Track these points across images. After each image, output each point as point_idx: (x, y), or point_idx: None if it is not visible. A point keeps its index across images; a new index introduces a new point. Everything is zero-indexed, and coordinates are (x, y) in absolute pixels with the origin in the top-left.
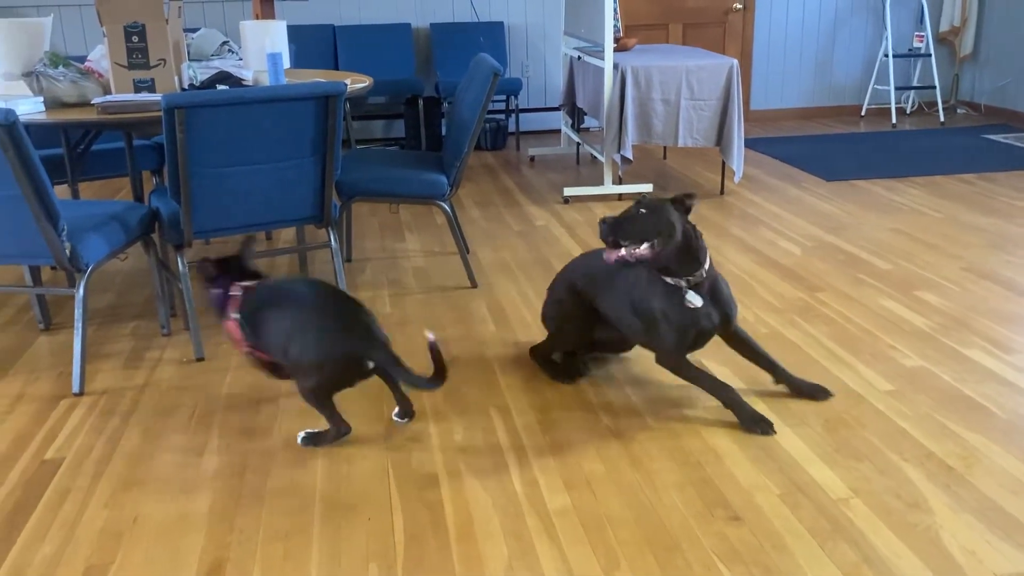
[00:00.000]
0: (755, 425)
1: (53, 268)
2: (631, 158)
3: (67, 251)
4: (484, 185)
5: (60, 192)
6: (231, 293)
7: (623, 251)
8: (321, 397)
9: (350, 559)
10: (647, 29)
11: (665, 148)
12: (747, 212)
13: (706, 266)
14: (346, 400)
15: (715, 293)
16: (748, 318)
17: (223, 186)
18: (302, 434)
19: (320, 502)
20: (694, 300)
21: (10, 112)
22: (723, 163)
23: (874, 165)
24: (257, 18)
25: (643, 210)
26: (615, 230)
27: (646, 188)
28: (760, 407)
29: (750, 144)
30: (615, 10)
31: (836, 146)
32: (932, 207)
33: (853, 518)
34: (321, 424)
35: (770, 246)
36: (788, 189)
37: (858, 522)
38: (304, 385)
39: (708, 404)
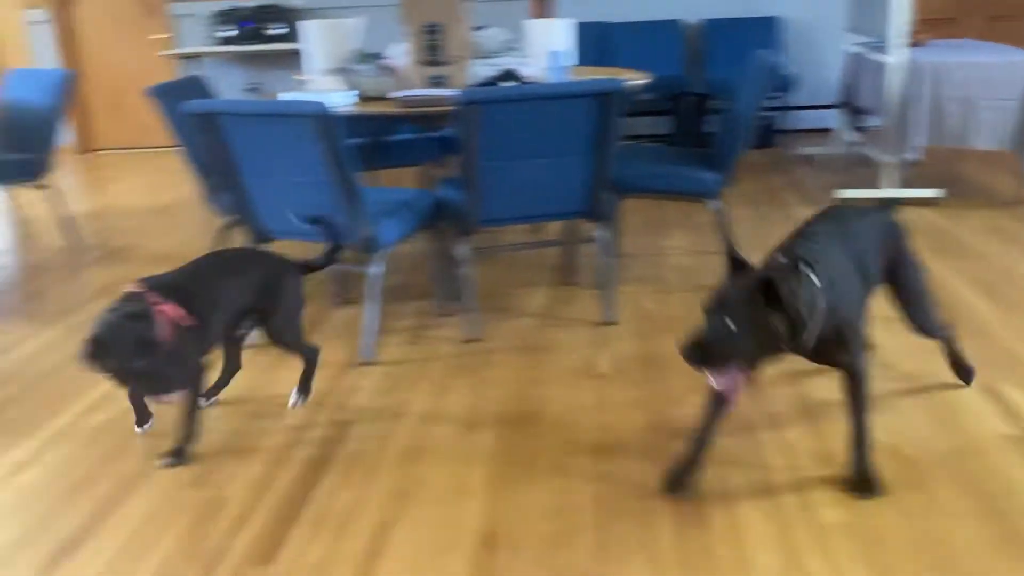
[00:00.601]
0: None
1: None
2: (918, 159)
3: (366, 233)
4: (751, 184)
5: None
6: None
7: (727, 376)
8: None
9: (618, 549)
10: (937, 25)
11: (948, 149)
12: None
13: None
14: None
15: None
16: None
17: (507, 178)
18: None
19: (588, 487)
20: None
21: (322, 105)
22: None
23: None
24: (537, 16)
25: (728, 321)
26: (702, 356)
27: (933, 193)
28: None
29: None
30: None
31: None
32: None
33: None
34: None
35: None
36: None
37: None
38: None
39: (1002, 431)
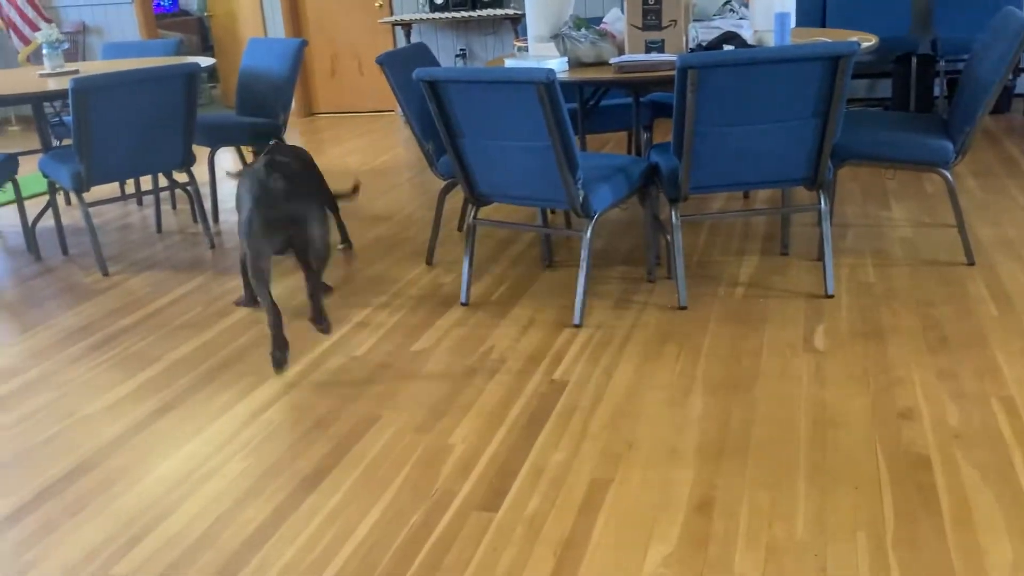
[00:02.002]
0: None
1: (553, 212)
2: None
3: (580, 198)
4: (982, 153)
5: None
6: None
7: None
8: None
9: (837, 524)
10: None
11: None
12: None
13: None
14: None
15: None
16: None
17: (723, 145)
18: None
19: (804, 462)
20: None
21: (550, 72)
22: None
23: None
24: None
25: None
26: None
27: None
28: None
29: None
30: None
31: None
32: None
33: None
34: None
35: None
36: None
37: None
38: None
39: None
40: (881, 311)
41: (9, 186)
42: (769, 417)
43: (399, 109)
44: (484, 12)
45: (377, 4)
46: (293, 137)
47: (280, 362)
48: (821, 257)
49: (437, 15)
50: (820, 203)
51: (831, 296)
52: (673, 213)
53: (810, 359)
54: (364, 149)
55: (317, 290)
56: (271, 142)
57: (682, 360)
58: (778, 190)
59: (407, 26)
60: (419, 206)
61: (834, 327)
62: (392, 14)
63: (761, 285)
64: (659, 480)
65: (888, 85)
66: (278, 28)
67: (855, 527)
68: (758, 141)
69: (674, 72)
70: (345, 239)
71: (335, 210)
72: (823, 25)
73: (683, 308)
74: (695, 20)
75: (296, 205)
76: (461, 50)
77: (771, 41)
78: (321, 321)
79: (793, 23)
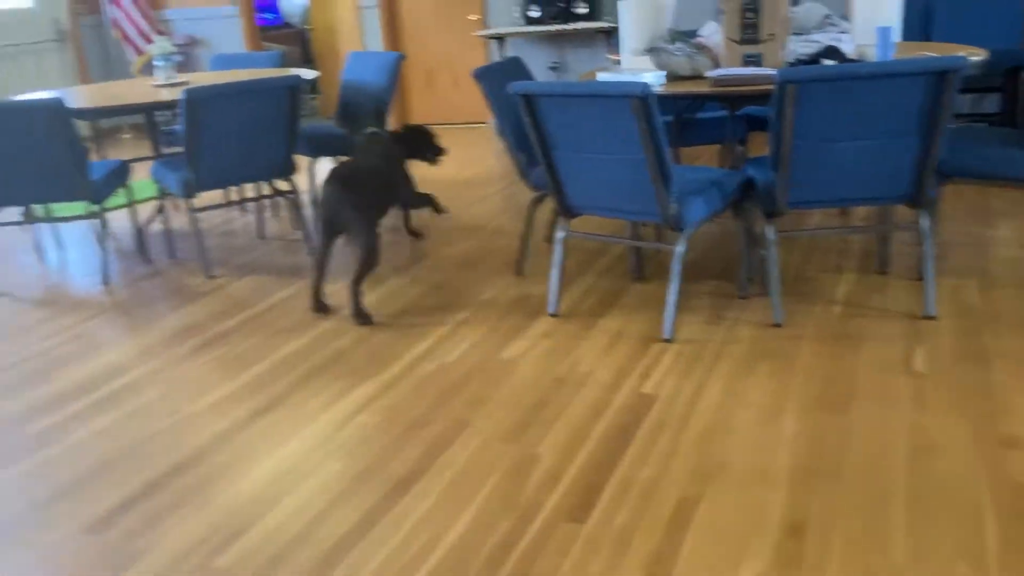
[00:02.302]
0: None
1: (644, 224)
2: None
3: (673, 211)
4: None
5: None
6: None
7: None
8: None
9: (936, 553)
10: None
11: None
12: None
13: None
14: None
15: None
16: None
17: (822, 160)
18: None
19: (902, 488)
20: None
21: (646, 86)
22: None
23: None
24: None
25: None
26: None
27: None
28: None
29: None
30: None
31: None
32: None
33: None
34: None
35: None
36: None
37: None
38: None
39: None
40: (984, 334)
41: (122, 191)
42: (865, 441)
43: (491, 121)
44: (578, 25)
45: (472, 17)
46: None
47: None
48: (922, 277)
49: (532, 28)
50: (922, 221)
51: (932, 317)
52: (769, 228)
53: (909, 382)
54: (456, 160)
55: (354, 287)
56: (368, 131)
57: (775, 379)
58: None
59: (501, 39)
60: (509, 218)
61: (935, 349)
62: (487, 27)
63: (858, 304)
64: (750, 500)
65: (995, 100)
66: (376, 41)
67: (955, 557)
68: (858, 157)
69: (772, 86)
70: (412, 231)
71: (407, 206)
72: (928, 39)
73: (777, 325)
74: (794, 33)
75: (341, 212)
76: (554, 63)
77: (873, 56)
78: (358, 316)
79: (897, 37)
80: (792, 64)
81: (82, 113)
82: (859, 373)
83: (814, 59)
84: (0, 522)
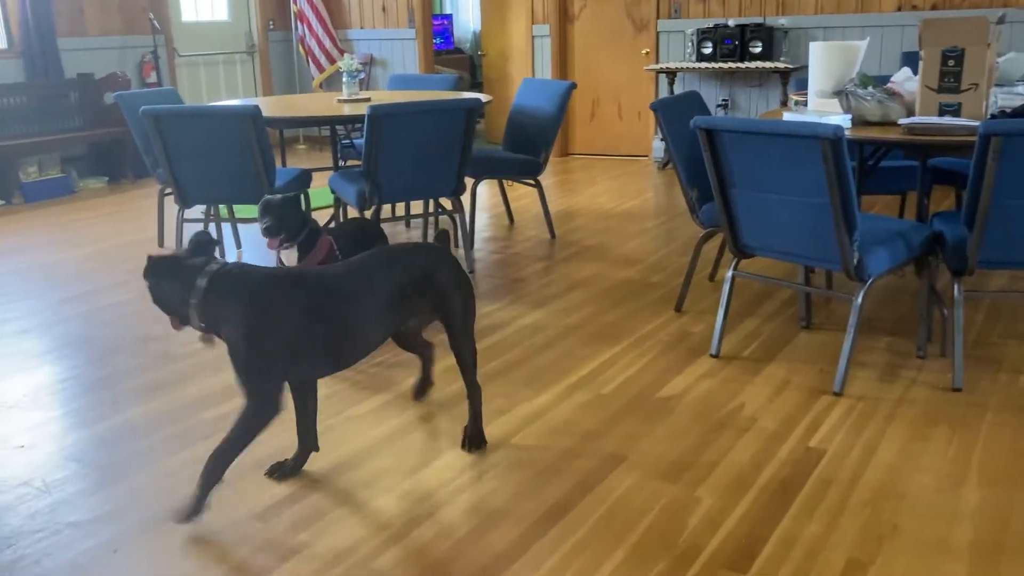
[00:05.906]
0: None
1: (814, 271)
2: None
3: (855, 260)
4: None
5: None
6: None
7: None
8: None
9: None
10: None
11: None
12: None
13: None
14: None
15: None
16: None
17: (1018, 218)
18: None
19: None
20: None
21: (838, 128)
22: None
23: None
24: None
25: None
26: None
27: None
28: None
29: None
30: None
31: None
32: None
33: None
34: None
35: None
36: None
37: None
38: None
39: None
40: None
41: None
42: None
43: (653, 155)
44: (753, 64)
45: (644, 51)
46: (548, 176)
47: None
48: None
49: (704, 64)
50: None
51: None
52: (956, 286)
53: None
54: (615, 191)
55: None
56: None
57: (955, 446)
58: None
59: (671, 74)
60: (668, 252)
61: None
62: (658, 62)
63: None
64: (926, 570)
65: None
66: (546, 70)
67: None
68: None
69: (971, 138)
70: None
71: None
72: None
73: (957, 390)
74: (996, 85)
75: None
76: (724, 100)
77: None
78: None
79: None
80: (995, 116)
81: (273, 122)
82: None
83: (1018, 112)
84: (175, 502)
